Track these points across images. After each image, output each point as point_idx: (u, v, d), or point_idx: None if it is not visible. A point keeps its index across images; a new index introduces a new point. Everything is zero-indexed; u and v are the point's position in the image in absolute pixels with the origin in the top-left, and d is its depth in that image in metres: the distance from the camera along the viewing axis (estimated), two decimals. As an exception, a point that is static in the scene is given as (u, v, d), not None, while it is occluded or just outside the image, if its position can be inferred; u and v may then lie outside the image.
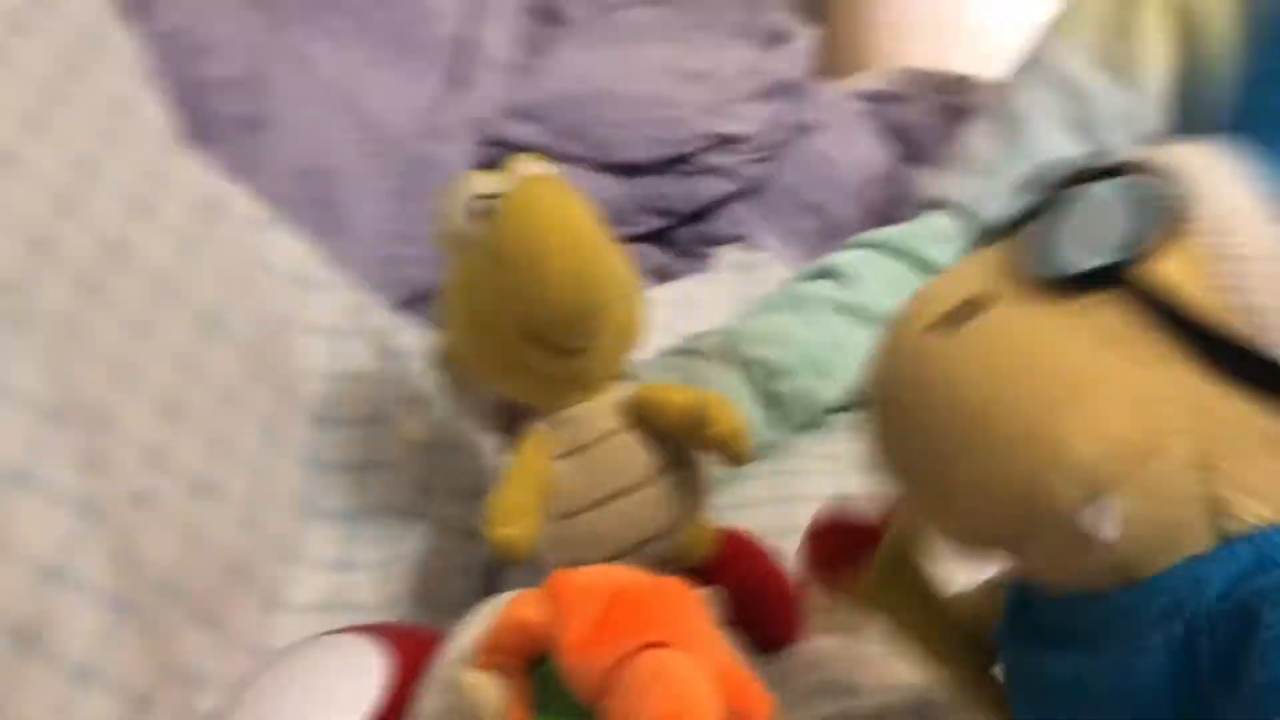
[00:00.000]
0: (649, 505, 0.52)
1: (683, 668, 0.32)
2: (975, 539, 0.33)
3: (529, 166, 0.53)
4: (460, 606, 0.69)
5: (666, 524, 0.53)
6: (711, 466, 0.56)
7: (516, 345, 0.50)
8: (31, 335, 0.54)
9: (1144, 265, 0.28)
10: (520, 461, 0.52)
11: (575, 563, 0.51)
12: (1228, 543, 0.28)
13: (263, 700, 0.49)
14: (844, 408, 0.75)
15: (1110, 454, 0.27)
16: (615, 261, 0.51)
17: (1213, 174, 0.28)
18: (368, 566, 0.68)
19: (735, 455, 0.51)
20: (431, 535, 0.71)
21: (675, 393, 0.52)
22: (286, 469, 0.70)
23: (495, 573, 0.72)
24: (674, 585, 0.36)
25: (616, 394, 0.54)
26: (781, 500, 0.66)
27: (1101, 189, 0.29)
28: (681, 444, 0.53)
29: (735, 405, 0.51)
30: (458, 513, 0.74)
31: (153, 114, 0.69)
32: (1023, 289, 0.29)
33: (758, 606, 0.55)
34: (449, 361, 0.63)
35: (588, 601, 0.34)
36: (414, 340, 0.82)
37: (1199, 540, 0.28)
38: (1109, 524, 0.28)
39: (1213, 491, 0.28)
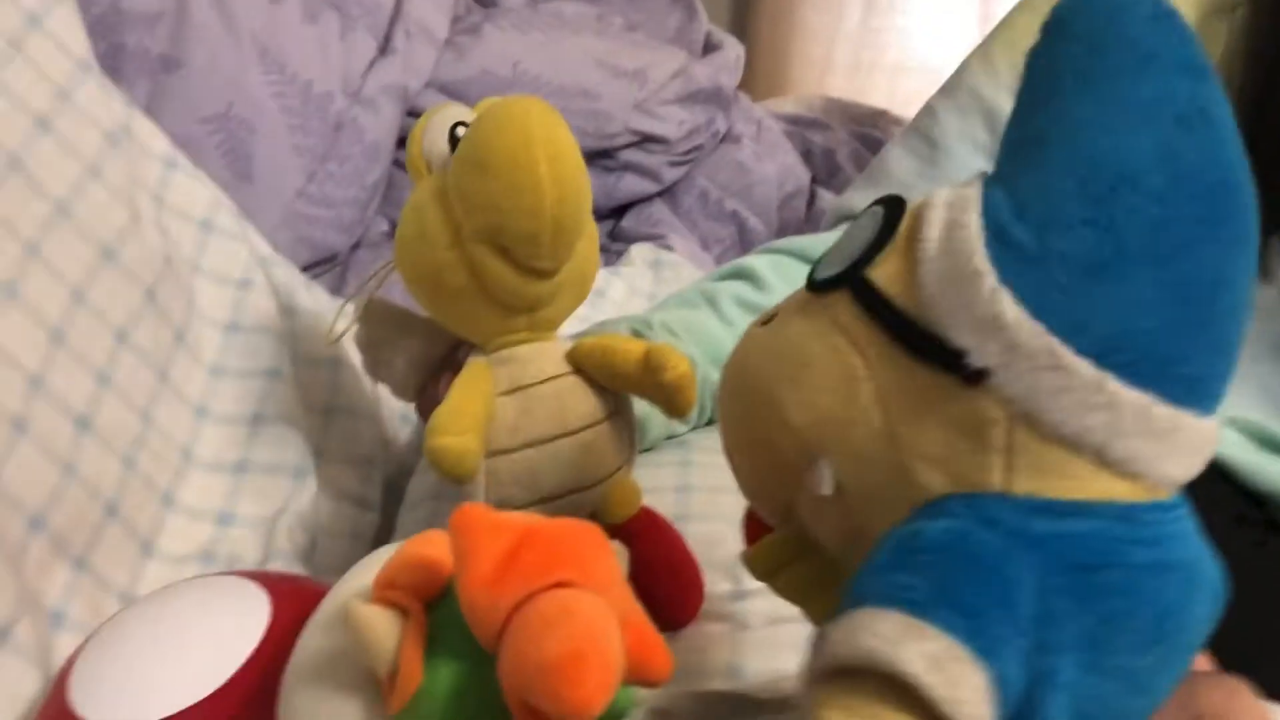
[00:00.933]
0: (584, 452, 0.52)
1: (590, 608, 0.32)
2: (763, 503, 0.37)
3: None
4: (344, 571, 0.67)
5: (598, 473, 0.52)
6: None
7: (481, 266, 0.49)
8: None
9: (870, 270, 0.33)
10: (466, 381, 0.50)
11: (502, 503, 0.51)
12: (913, 510, 0.32)
13: (143, 628, 0.47)
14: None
15: (817, 422, 0.33)
16: (589, 194, 0.50)
17: (941, 198, 0.33)
18: (249, 522, 0.66)
19: (684, 404, 0.50)
20: (321, 498, 0.69)
21: (630, 341, 0.51)
22: (175, 414, 0.67)
23: (384, 543, 0.70)
24: (586, 528, 0.35)
25: (556, 344, 0.53)
26: (681, 489, 0.66)
27: (863, 214, 0.35)
28: (618, 398, 0.53)
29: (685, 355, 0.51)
30: (350, 478, 0.72)
31: (72, 36, 0.66)
32: (804, 296, 0.35)
33: (660, 582, 0.54)
34: (369, 319, 0.61)
35: (496, 537, 0.33)
36: (316, 300, 0.80)
37: (900, 508, 0.32)
38: (825, 482, 0.33)
39: (900, 459, 0.32)
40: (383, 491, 0.74)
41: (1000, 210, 0.31)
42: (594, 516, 0.54)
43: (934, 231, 0.32)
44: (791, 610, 0.58)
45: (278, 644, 0.45)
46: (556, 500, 0.52)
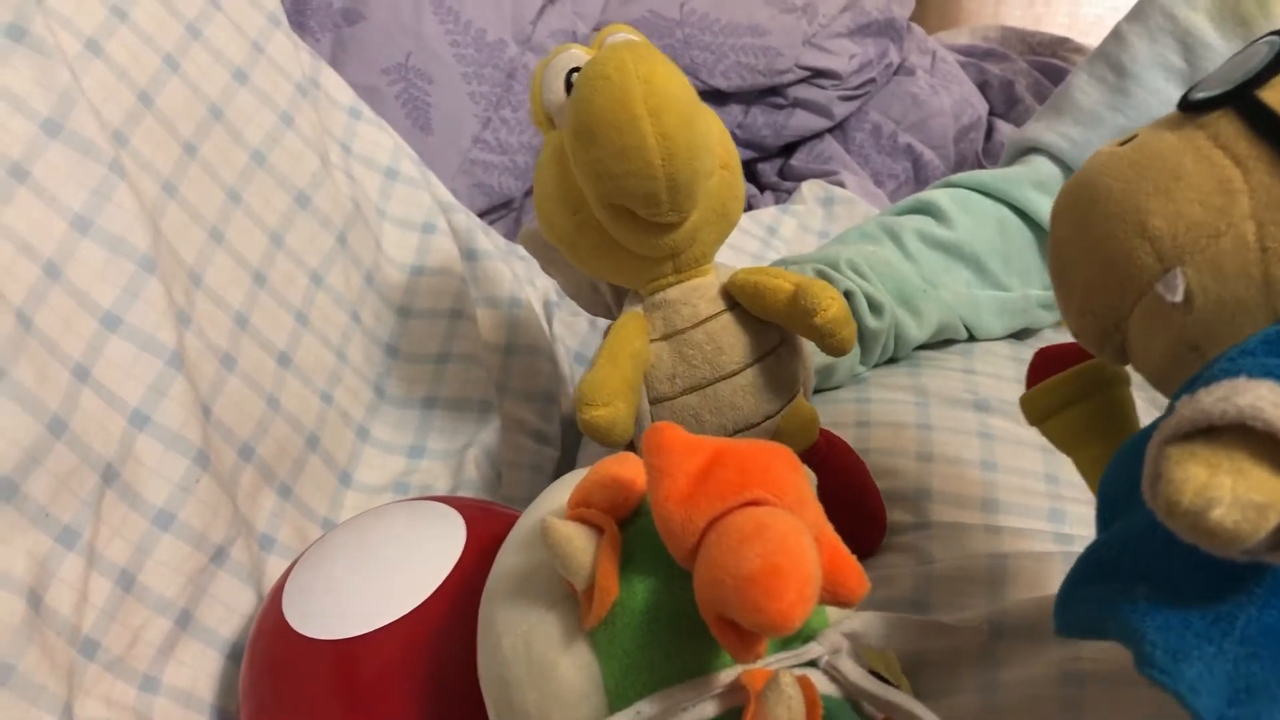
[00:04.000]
0: (744, 393, 0.51)
1: (786, 524, 0.31)
2: (1093, 320, 0.36)
3: (616, 35, 0.51)
4: (527, 501, 0.69)
5: (763, 412, 0.52)
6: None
7: (608, 227, 0.48)
8: (135, 186, 0.54)
9: (1258, 93, 0.33)
10: (613, 343, 0.50)
11: None
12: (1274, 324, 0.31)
13: (348, 550, 0.49)
14: (926, 344, 0.74)
15: (1183, 231, 0.32)
16: (708, 132, 0.47)
17: None
18: (439, 454, 0.69)
19: (839, 344, 0.48)
20: (504, 433, 0.71)
21: (782, 277, 0.49)
22: (367, 352, 0.70)
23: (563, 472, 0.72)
24: (778, 449, 0.35)
25: (712, 278, 0.52)
26: (860, 424, 0.65)
27: (1257, 42, 0.34)
28: (782, 330, 0.52)
29: (839, 293, 0.49)
30: (530, 414, 0.74)
31: (261, -13, 0.69)
32: (1174, 117, 0.35)
33: (843, 509, 0.54)
34: (528, 246, 0.62)
35: (690, 455, 0.33)
36: (495, 243, 0.82)
37: (1256, 320, 0.32)
38: (1178, 289, 0.33)
39: (1269, 273, 0.31)
40: (561, 428, 0.76)
41: None
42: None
43: None
44: (975, 545, 0.57)
45: (474, 563, 0.47)
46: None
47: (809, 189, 0.94)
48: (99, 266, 0.52)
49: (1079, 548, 0.55)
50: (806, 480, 0.35)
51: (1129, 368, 0.38)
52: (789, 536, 0.31)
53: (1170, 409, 0.30)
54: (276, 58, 0.68)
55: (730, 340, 0.51)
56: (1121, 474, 0.36)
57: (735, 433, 0.52)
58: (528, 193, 0.95)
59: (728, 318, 0.51)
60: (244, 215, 0.63)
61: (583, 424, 0.48)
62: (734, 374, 0.51)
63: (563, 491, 0.43)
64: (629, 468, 0.37)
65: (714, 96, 0.98)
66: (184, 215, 0.58)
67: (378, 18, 0.85)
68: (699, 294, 0.51)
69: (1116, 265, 0.34)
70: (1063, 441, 0.42)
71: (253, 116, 0.65)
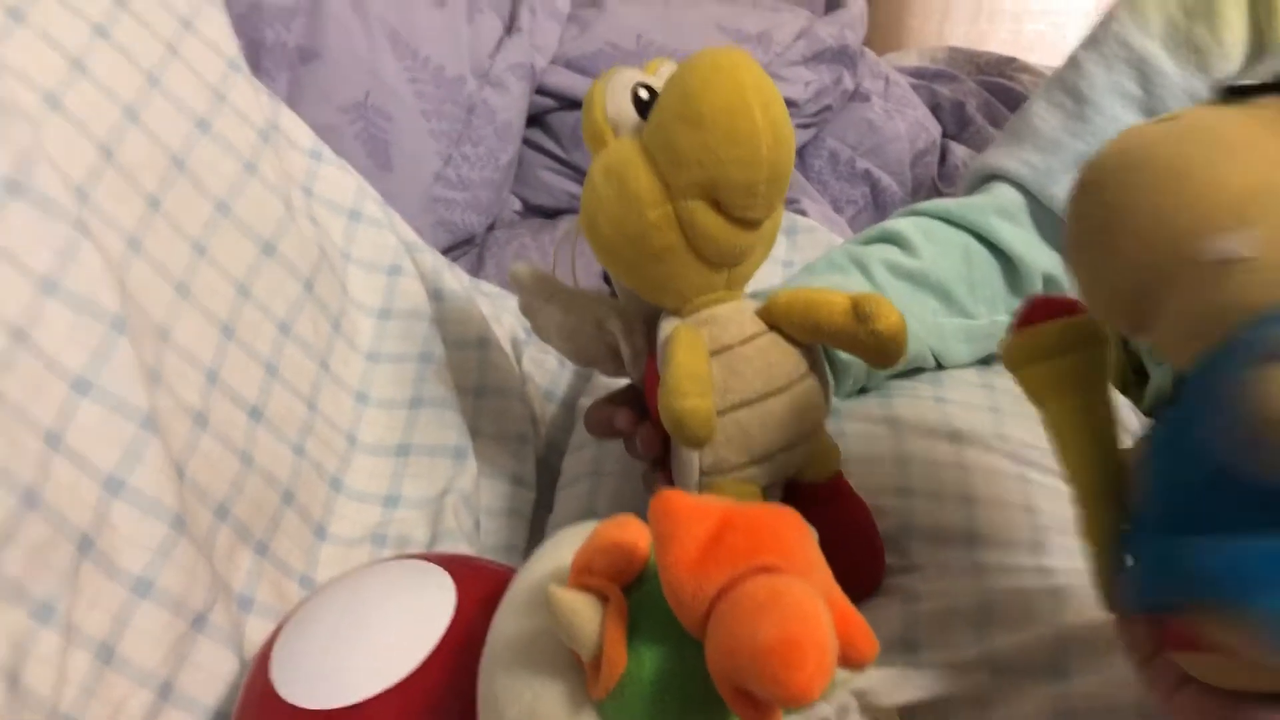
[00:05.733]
0: (793, 409, 0.51)
1: (800, 592, 0.31)
2: (1125, 299, 0.36)
3: (666, 65, 0.53)
4: (508, 549, 0.69)
5: (807, 429, 0.53)
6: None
7: (692, 220, 0.49)
8: (98, 243, 0.53)
9: None
10: (687, 343, 0.50)
11: (715, 464, 0.51)
12: None
13: (336, 613, 0.48)
14: (899, 374, 0.74)
15: (1257, 189, 0.32)
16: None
17: None
18: (415, 503, 0.68)
19: (896, 351, 0.50)
20: (480, 478, 0.70)
21: (830, 292, 0.51)
22: (337, 400, 0.69)
23: (541, 521, 0.71)
24: (785, 512, 0.35)
25: (749, 301, 0.53)
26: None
27: None
28: (814, 352, 0.53)
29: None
30: (504, 457, 0.73)
31: (221, 34, 0.68)
32: (1213, 103, 0.36)
33: (851, 548, 0.54)
34: (521, 285, 0.61)
35: (698, 520, 0.33)
36: (460, 283, 0.81)
37: None
38: (1244, 246, 0.32)
39: None
40: (535, 469, 0.76)
41: None
42: (807, 470, 0.55)
43: None
44: (961, 582, 0.57)
45: (467, 625, 0.46)
46: (767, 460, 0.52)
47: (771, 217, 0.95)
48: (67, 329, 0.50)
49: (1062, 580, 0.56)
50: (814, 542, 0.35)
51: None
52: (804, 605, 0.31)
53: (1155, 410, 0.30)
54: (238, 104, 0.67)
55: (779, 356, 0.52)
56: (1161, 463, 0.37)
57: (782, 450, 0.52)
58: (490, 228, 0.94)
59: (771, 337, 0.52)
60: (210, 267, 0.61)
61: (679, 412, 0.47)
62: (783, 390, 0.51)
63: (559, 552, 0.42)
64: (631, 532, 0.37)
65: (673, 127, 0.99)
66: (150, 271, 0.57)
67: (334, 56, 0.84)
68: (742, 314, 0.52)
69: (1171, 224, 0.34)
70: (1038, 390, 0.42)
71: (216, 166, 0.64)
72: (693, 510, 0.33)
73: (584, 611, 0.35)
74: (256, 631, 0.56)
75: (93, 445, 0.50)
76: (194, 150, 0.62)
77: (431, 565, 0.50)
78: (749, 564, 0.32)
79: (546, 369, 0.84)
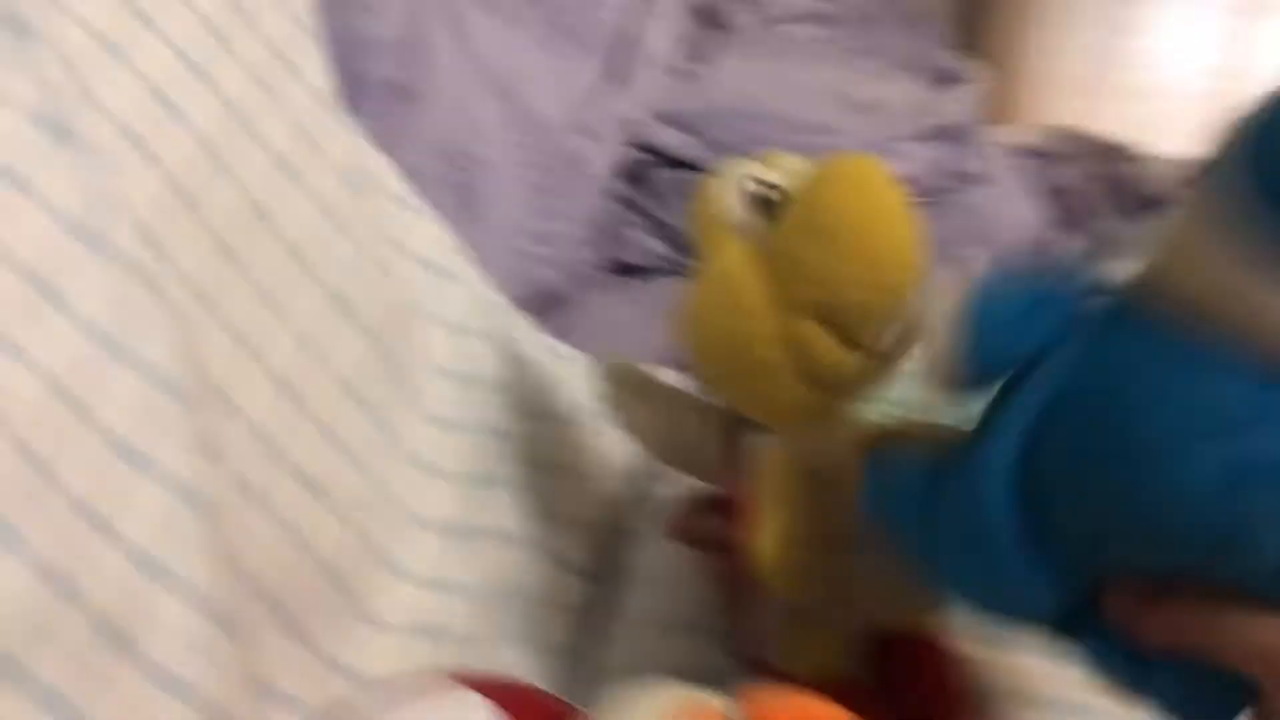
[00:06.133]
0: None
1: None
2: None
3: (794, 160, 0.50)
4: (566, 652, 0.64)
5: (905, 579, 0.49)
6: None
7: (803, 338, 0.45)
8: (166, 297, 0.49)
9: None
10: (777, 482, 0.48)
11: (811, 609, 0.49)
12: None
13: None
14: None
15: None
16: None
17: None
18: (464, 589, 0.63)
19: None
20: (539, 565, 0.65)
21: (929, 425, 0.47)
22: (395, 470, 0.64)
23: (605, 617, 0.66)
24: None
25: (848, 425, 0.49)
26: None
27: None
28: None
29: None
30: (573, 545, 0.68)
31: (313, 68, 0.64)
32: None
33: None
34: (609, 378, 0.58)
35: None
36: (544, 348, 0.76)
37: None
38: None
39: None
40: (602, 556, 0.70)
41: None
42: (907, 620, 0.52)
43: None
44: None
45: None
46: (865, 603, 0.49)
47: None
48: (126, 395, 0.46)
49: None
50: None
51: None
52: None
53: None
54: (328, 147, 0.63)
55: None
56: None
57: (874, 600, 0.49)
58: (577, 286, 0.90)
59: None
60: (283, 328, 0.57)
61: (762, 559, 0.47)
62: None
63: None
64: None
65: (776, 194, 0.94)
66: (219, 331, 0.53)
67: (433, 96, 0.80)
68: (840, 440, 0.48)
69: None
70: None
71: (297, 214, 0.60)
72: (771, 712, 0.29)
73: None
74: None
75: (142, 528, 0.46)
76: (277, 197, 0.58)
77: (472, 696, 0.45)
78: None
79: (627, 443, 0.79)
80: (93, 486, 0.44)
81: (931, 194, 0.98)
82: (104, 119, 0.49)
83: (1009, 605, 0.40)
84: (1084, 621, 0.38)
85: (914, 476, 0.42)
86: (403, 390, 0.66)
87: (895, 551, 0.43)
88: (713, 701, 0.35)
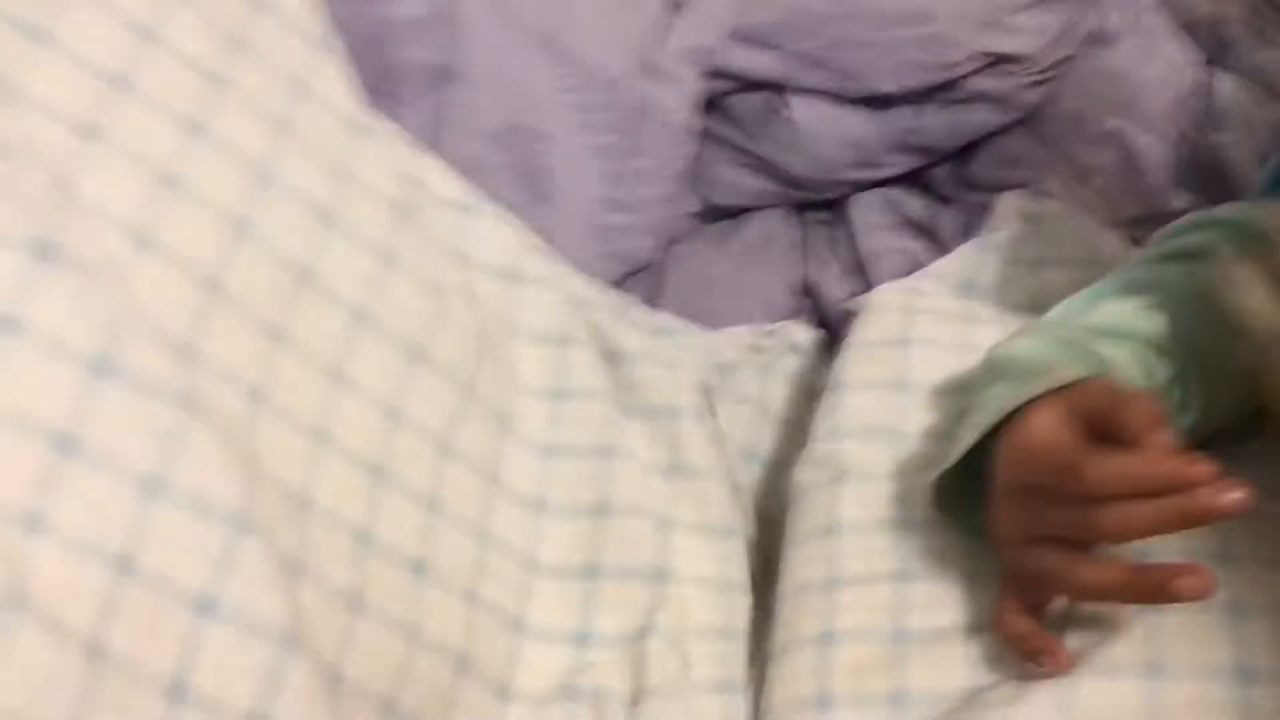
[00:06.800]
0: None
1: None
2: None
3: None
4: (723, 687, 0.57)
5: None
6: None
7: None
8: (213, 413, 0.43)
9: None
10: None
11: None
12: None
13: None
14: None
15: None
16: None
17: None
18: (610, 641, 0.57)
19: None
20: (685, 592, 0.59)
21: None
22: (511, 518, 0.58)
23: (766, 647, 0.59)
24: None
25: None
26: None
27: None
28: None
29: None
30: (708, 561, 0.61)
31: (334, 88, 0.57)
32: None
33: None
34: None
35: None
36: (642, 333, 0.69)
37: None
38: None
39: None
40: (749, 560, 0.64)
41: None
42: None
43: None
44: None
45: None
46: None
47: (1008, 205, 0.78)
48: (179, 539, 0.41)
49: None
50: None
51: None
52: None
53: None
54: (368, 176, 0.56)
55: None
56: None
57: None
58: (669, 245, 0.81)
59: None
60: (351, 397, 0.51)
61: None
62: None
63: None
64: None
65: (877, 101, 0.83)
66: (278, 425, 0.47)
67: (478, 73, 0.72)
68: None
69: None
70: None
71: (347, 266, 0.53)
72: None
73: None
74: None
75: (226, 683, 0.41)
76: (319, 254, 0.52)
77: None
78: None
79: (743, 420, 0.71)
80: (153, 648, 0.39)
81: (1058, 66, 0.86)
82: (94, 221, 0.43)
83: None
84: None
85: None
86: (499, 426, 0.60)
87: None
88: None
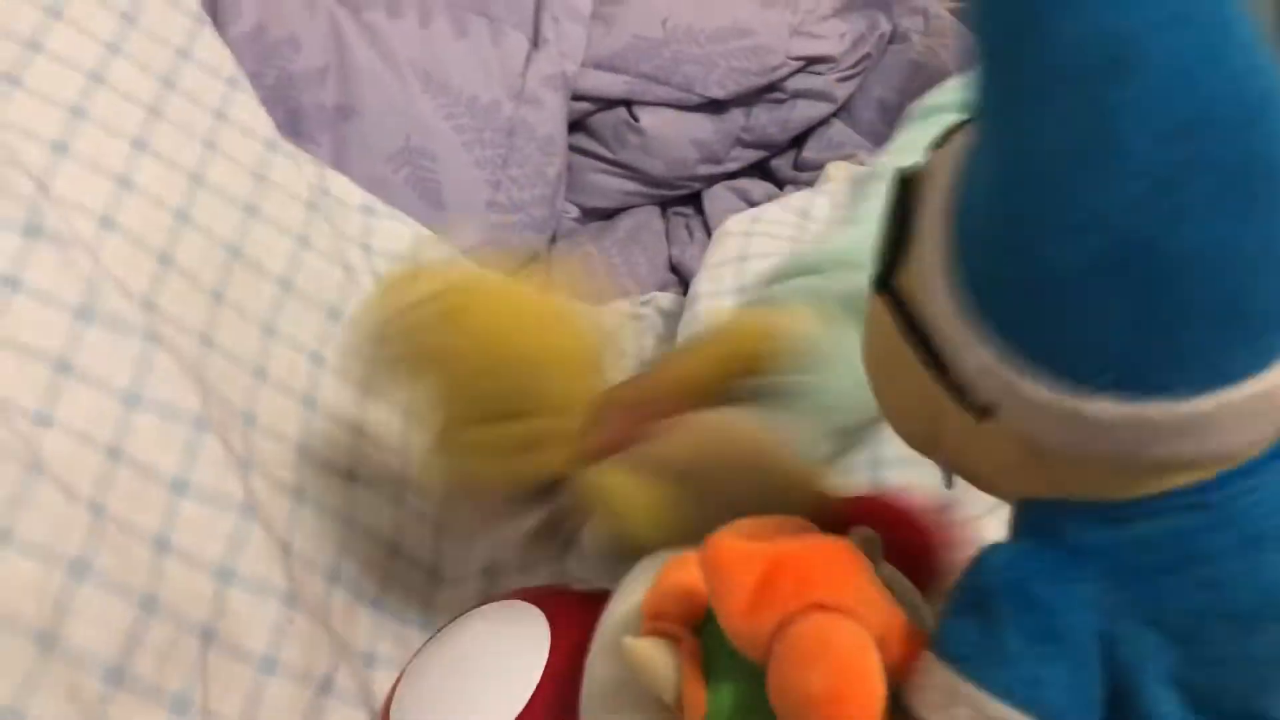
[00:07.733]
0: None
1: (847, 638, 0.32)
2: (909, 428, 0.36)
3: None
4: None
5: None
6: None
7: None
8: (172, 348, 0.56)
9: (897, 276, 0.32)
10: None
11: None
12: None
13: (444, 663, 0.51)
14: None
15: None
16: (547, 330, 0.53)
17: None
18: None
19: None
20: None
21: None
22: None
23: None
24: (836, 546, 0.35)
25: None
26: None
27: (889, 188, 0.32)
28: None
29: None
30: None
31: (250, 115, 0.71)
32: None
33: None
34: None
35: (746, 568, 0.34)
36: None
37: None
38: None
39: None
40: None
41: None
42: None
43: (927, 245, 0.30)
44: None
45: (563, 664, 0.48)
46: None
47: (836, 169, 0.94)
48: (156, 436, 0.53)
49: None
50: (870, 575, 0.35)
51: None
52: (852, 656, 0.32)
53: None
54: (281, 181, 0.70)
55: None
56: None
57: None
58: (551, 240, 0.95)
59: None
60: (282, 345, 0.64)
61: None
62: None
63: (640, 587, 0.43)
64: (694, 573, 0.38)
65: (714, 106, 0.98)
66: (225, 362, 0.60)
67: (371, 108, 0.86)
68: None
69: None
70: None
71: (271, 247, 0.66)
72: (739, 557, 0.34)
73: (659, 659, 0.37)
74: (384, 685, 0.59)
75: (199, 542, 0.53)
76: (247, 237, 0.65)
77: (525, 605, 0.52)
78: (799, 603, 0.33)
79: (626, 369, 0.85)
80: (141, 515, 0.52)
81: (861, 64, 1.02)
82: (68, 210, 0.56)
83: None
84: None
85: None
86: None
87: None
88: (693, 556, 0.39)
